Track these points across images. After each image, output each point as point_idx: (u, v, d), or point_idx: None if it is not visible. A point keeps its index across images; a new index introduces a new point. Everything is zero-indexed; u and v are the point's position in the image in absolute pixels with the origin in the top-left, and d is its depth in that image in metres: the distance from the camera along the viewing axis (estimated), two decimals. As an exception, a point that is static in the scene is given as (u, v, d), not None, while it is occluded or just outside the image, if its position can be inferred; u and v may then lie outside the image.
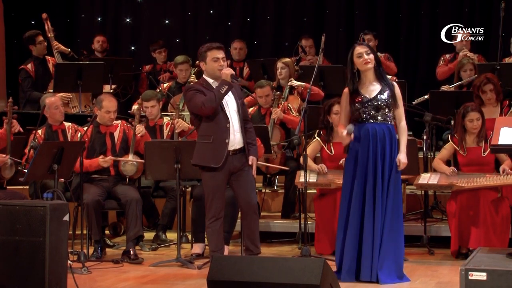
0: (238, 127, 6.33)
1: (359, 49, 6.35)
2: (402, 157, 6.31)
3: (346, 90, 6.40)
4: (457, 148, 7.45)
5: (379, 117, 6.29)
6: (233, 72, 6.35)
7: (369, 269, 6.16)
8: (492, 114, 7.80)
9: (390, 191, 6.26)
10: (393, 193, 6.26)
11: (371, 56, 6.31)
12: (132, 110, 8.63)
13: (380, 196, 6.21)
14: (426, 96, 8.82)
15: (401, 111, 6.41)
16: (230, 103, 6.36)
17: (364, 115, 6.29)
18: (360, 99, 6.29)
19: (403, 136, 6.39)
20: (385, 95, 6.29)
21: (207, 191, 6.36)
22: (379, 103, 6.28)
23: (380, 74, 6.36)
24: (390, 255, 6.20)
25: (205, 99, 6.26)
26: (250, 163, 6.36)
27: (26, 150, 7.49)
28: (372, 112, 6.28)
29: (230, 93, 6.36)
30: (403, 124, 6.41)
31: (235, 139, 6.33)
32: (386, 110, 6.30)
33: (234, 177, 6.36)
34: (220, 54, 6.36)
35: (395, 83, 6.45)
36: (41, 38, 9.95)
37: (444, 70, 9.85)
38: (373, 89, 6.31)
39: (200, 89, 6.33)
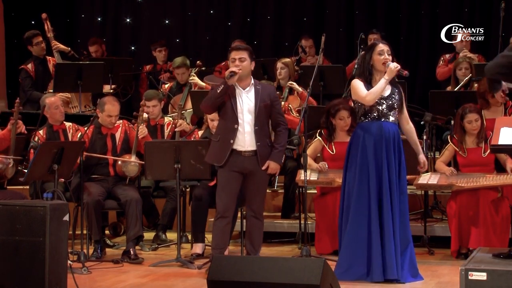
0: (250, 129, 6.33)
1: (382, 47, 6.34)
2: (424, 158, 6.43)
3: (357, 79, 6.39)
4: (456, 149, 7.45)
5: (390, 117, 6.31)
6: (232, 70, 6.34)
7: (395, 267, 6.16)
8: (496, 114, 7.79)
9: (404, 191, 6.29)
10: (405, 193, 6.32)
11: (390, 57, 6.32)
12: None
13: (396, 195, 6.23)
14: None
15: (406, 112, 6.47)
16: (245, 104, 6.36)
17: (377, 113, 6.29)
18: None
19: (415, 136, 6.47)
20: (397, 96, 6.32)
21: (218, 187, 6.46)
22: (393, 102, 6.30)
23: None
24: (406, 254, 6.24)
25: (204, 99, 6.33)
26: (265, 167, 6.36)
27: (32, 151, 7.47)
28: (386, 111, 6.29)
29: (251, 94, 6.38)
30: (412, 125, 6.50)
31: (245, 141, 6.33)
32: (396, 110, 6.33)
33: (245, 180, 6.41)
34: (238, 55, 6.37)
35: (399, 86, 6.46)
36: (38, 39, 9.92)
37: (444, 71, 9.84)
38: (386, 88, 6.31)
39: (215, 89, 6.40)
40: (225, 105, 6.37)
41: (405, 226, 6.28)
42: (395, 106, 6.32)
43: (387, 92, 6.31)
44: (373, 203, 6.23)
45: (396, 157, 6.28)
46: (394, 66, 6.25)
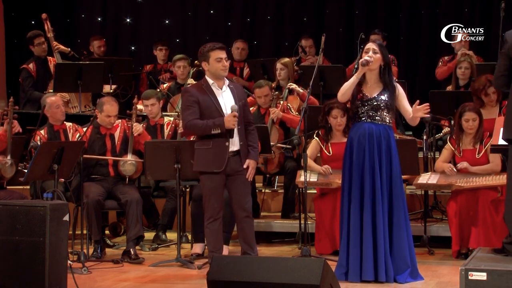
0: (235, 129, 6.32)
1: (368, 45, 6.33)
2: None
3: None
4: (453, 149, 7.46)
5: (377, 118, 6.28)
6: (234, 127, 6.23)
7: (384, 269, 6.15)
8: (492, 114, 7.79)
9: (398, 191, 6.26)
10: (400, 192, 6.28)
11: (377, 56, 6.27)
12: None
13: (380, 196, 6.20)
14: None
15: (407, 107, 6.35)
16: (229, 105, 6.34)
17: (362, 114, 6.29)
18: (360, 96, 6.30)
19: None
20: (385, 96, 6.28)
21: (205, 192, 6.38)
22: (378, 103, 6.27)
23: (385, 76, 6.31)
24: (408, 255, 6.23)
25: (193, 124, 6.24)
26: (245, 166, 6.32)
27: (32, 151, 7.47)
28: (370, 112, 6.28)
29: (230, 95, 6.36)
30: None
31: (234, 142, 6.32)
32: (385, 111, 6.29)
33: (230, 180, 6.36)
34: (223, 55, 6.33)
35: (397, 84, 6.42)
36: (40, 40, 9.91)
37: (443, 70, 9.85)
38: (374, 89, 6.31)
39: (196, 99, 6.29)
40: (209, 108, 6.30)
41: (399, 226, 6.24)
42: (381, 107, 6.27)
43: (374, 93, 6.29)
44: (366, 204, 6.21)
45: (384, 157, 6.25)
46: (360, 61, 6.25)
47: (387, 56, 6.36)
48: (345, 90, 6.27)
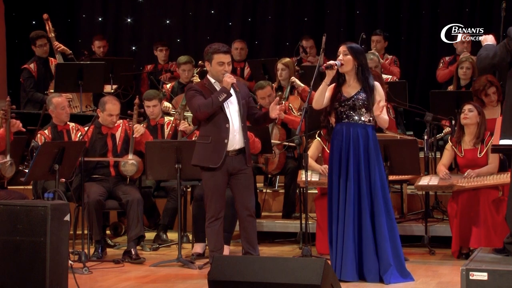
0: (238, 127, 6.34)
1: (340, 48, 6.40)
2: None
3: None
4: (454, 148, 7.46)
5: (355, 117, 6.33)
6: (234, 81, 6.33)
7: (351, 269, 6.19)
8: (493, 114, 7.80)
9: (377, 190, 6.26)
10: (381, 192, 6.28)
11: (348, 57, 6.31)
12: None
13: (352, 197, 6.22)
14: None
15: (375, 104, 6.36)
16: (231, 103, 6.36)
17: (341, 115, 6.35)
18: (339, 96, 6.35)
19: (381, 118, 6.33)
20: (362, 96, 6.32)
21: (207, 191, 6.39)
22: (355, 102, 6.31)
23: (362, 76, 6.33)
24: (390, 254, 6.22)
25: (201, 103, 6.28)
26: (274, 114, 6.31)
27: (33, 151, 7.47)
28: (348, 112, 6.33)
29: (232, 93, 6.36)
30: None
31: (235, 140, 6.33)
32: (363, 110, 6.32)
33: (233, 179, 6.38)
34: (226, 59, 6.36)
35: (376, 83, 6.43)
36: (43, 41, 9.89)
37: (444, 73, 9.85)
38: (351, 89, 6.36)
39: (200, 90, 6.37)
40: None
41: (380, 225, 6.24)
42: (359, 106, 6.30)
43: (351, 93, 6.34)
44: (341, 205, 6.27)
45: (362, 157, 6.27)
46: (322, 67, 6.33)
47: (361, 56, 6.38)
48: (317, 97, 6.38)
